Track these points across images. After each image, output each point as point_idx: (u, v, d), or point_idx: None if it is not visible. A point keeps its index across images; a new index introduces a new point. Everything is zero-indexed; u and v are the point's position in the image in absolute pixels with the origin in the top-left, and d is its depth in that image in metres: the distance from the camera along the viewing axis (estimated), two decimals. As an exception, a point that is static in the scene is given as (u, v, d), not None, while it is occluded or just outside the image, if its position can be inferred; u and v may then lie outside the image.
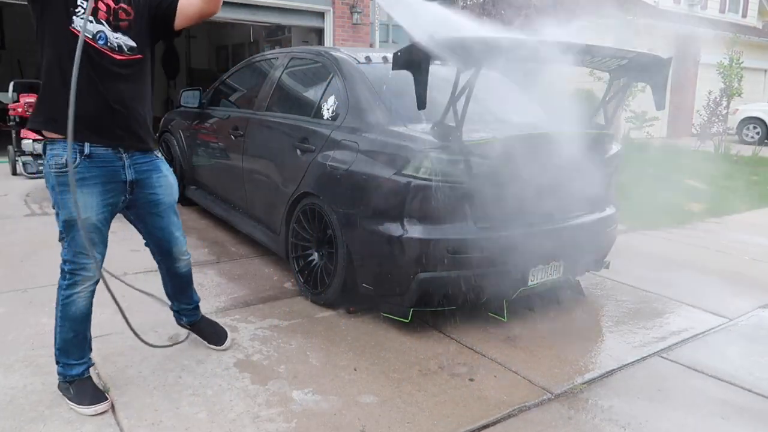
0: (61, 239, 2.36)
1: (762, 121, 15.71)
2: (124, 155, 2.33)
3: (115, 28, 2.23)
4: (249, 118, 4.47)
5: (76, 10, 2.12)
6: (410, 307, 3.14)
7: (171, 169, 2.60)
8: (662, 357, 3.14)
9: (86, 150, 2.22)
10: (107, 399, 2.41)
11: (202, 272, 4.05)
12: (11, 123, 7.09)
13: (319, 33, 10.99)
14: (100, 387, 2.53)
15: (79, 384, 2.40)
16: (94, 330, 3.09)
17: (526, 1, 10.42)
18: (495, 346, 3.15)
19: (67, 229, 2.30)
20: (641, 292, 4.12)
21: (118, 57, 2.24)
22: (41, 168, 6.78)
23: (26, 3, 2.17)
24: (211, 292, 3.71)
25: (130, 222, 2.61)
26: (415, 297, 3.09)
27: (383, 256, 3.12)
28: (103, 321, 3.22)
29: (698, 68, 17.17)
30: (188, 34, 15.24)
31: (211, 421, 2.36)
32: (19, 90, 7.27)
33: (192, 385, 2.62)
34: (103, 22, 2.19)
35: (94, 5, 2.13)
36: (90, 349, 2.50)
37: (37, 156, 6.85)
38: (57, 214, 2.32)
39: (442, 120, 3.08)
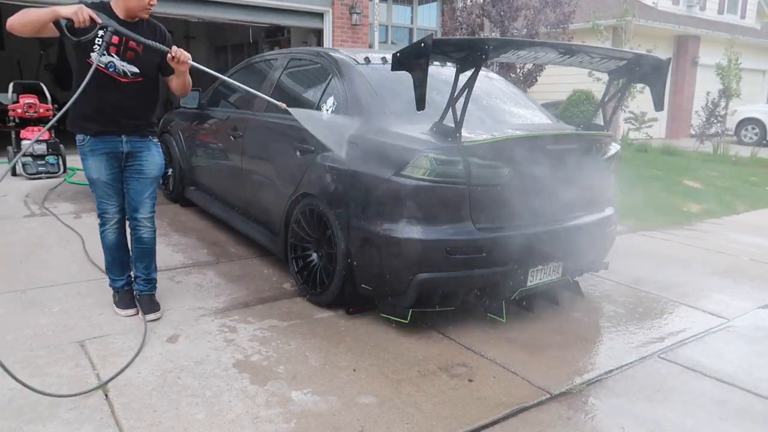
0: (93, 193, 3.28)
1: (760, 122, 15.73)
2: (123, 137, 3.19)
3: (123, 59, 3.07)
4: (248, 119, 4.47)
5: (94, 47, 2.96)
6: (409, 308, 3.14)
7: (161, 153, 3.38)
8: (661, 357, 3.15)
9: (93, 133, 3.13)
10: (137, 307, 3.34)
11: (201, 273, 4.06)
12: (11, 124, 7.08)
13: (319, 34, 10.99)
14: (99, 387, 2.55)
15: (121, 294, 3.40)
16: (93, 330, 3.12)
17: (525, 2, 10.42)
18: (494, 347, 3.15)
19: (92, 185, 3.25)
20: (640, 293, 4.12)
21: (122, 80, 3.10)
22: (41, 168, 6.79)
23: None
24: (211, 293, 3.71)
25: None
26: (415, 297, 3.09)
27: (382, 257, 3.12)
28: (102, 322, 3.23)
29: (697, 69, 17.19)
30: (187, 34, 15.24)
31: (211, 421, 2.36)
32: (19, 91, 7.26)
33: (191, 385, 2.62)
34: (113, 54, 3.04)
35: (107, 44, 2.94)
36: (129, 270, 3.42)
37: (36, 157, 6.85)
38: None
39: (441, 121, 3.08)
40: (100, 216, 3.30)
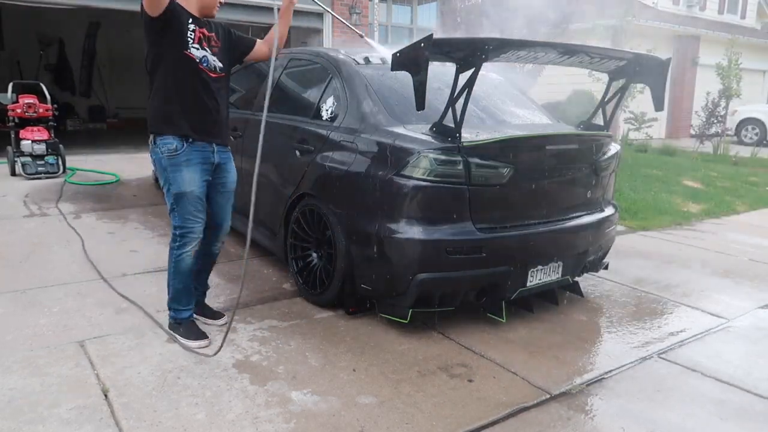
0: (171, 210, 2.93)
1: (761, 122, 15.73)
2: (214, 145, 2.98)
3: (211, 52, 2.92)
4: (248, 119, 4.47)
5: (188, 38, 2.81)
6: (409, 308, 3.14)
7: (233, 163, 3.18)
8: (661, 358, 3.15)
9: (190, 140, 2.87)
10: (208, 338, 3.02)
11: (201, 273, 4.05)
12: (10, 124, 7.09)
13: (318, 34, 10.99)
14: (99, 388, 2.54)
15: (188, 325, 3.06)
16: (93, 330, 3.12)
17: (525, 2, 10.42)
18: (494, 347, 3.15)
19: (177, 200, 2.88)
20: (640, 293, 4.12)
21: (213, 75, 2.93)
22: (40, 169, 6.79)
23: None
24: (210, 293, 3.69)
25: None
26: (414, 298, 3.09)
27: (382, 257, 3.12)
28: (102, 322, 3.22)
29: (697, 69, 17.20)
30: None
31: (210, 422, 2.36)
32: (18, 91, 7.26)
33: (191, 385, 2.62)
34: (205, 48, 2.88)
35: (199, 36, 2.85)
36: (194, 298, 3.14)
37: (36, 157, 6.85)
38: (168, 190, 2.91)
39: (441, 121, 3.08)
40: (181, 236, 2.91)
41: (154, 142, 2.90)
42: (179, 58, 2.81)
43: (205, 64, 2.87)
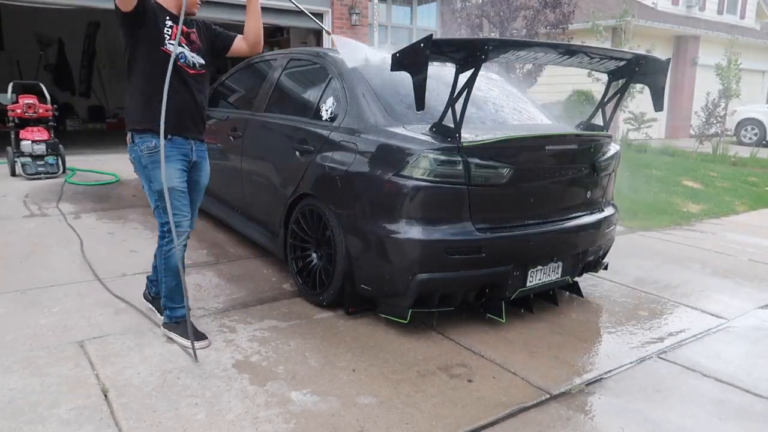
0: (155, 208, 2.95)
1: (760, 122, 15.74)
2: (192, 142, 3.03)
3: (191, 49, 2.96)
4: (248, 120, 4.47)
5: (165, 36, 2.85)
6: (409, 308, 3.14)
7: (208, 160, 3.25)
8: (660, 358, 3.15)
9: (169, 137, 2.87)
10: (207, 338, 3.01)
11: (200, 273, 4.05)
12: (10, 124, 7.08)
13: (318, 34, 11.00)
14: (99, 388, 2.55)
15: (183, 325, 2.97)
16: (92, 330, 3.12)
17: (524, 2, 10.43)
18: (494, 347, 3.15)
19: (161, 197, 2.87)
20: (639, 293, 4.13)
21: (192, 71, 2.97)
22: (40, 169, 6.78)
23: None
24: (210, 293, 3.71)
25: None
26: (414, 298, 3.09)
27: (382, 257, 3.12)
28: (101, 322, 3.23)
29: (696, 69, 17.21)
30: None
31: (210, 422, 2.36)
32: (18, 91, 7.26)
33: (191, 386, 2.62)
34: (183, 45, 2.92)
35: (175, 33, 2.86)
36: (186, 295, 2.99)
37: (36, 157, 6.85)
38: (150, 188, 2.94)
39: (440, 121, 3.09)
40: (169, 232, 2.88)
41: (133, 140, 2.93)
42: (156, 55, 2.83)
43: (183, 60, 2.90)
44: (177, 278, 2.95)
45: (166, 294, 3.03)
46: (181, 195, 2.93)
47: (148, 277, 3.37)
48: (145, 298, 3.41)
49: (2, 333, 3.04)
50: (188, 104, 2.95)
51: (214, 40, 3.12)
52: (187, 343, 2.92)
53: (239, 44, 3.17)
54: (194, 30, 3.03)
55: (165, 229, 2.94)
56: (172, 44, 2.84)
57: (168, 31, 2.86)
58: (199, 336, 2.99)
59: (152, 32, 2.83)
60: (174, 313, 3.04)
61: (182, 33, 2.88)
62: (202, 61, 3.01)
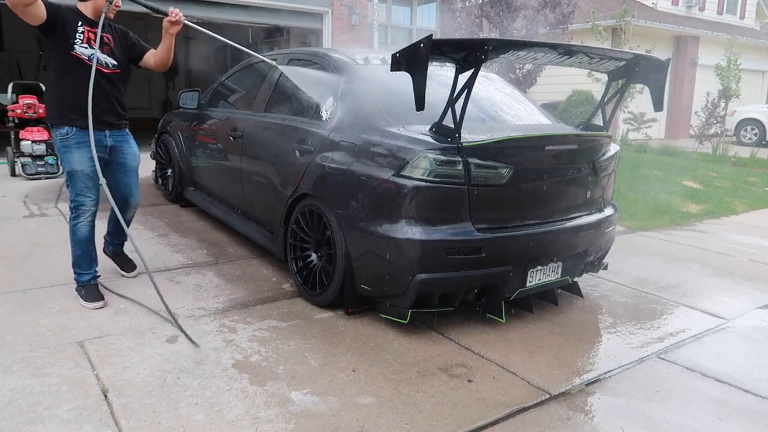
0: (67, 186, 3.40)
1: (760, 122, 15.74)
2: (106, 131, 3.41)
3: (102, 51, 3.30)
4: (247, 120, 4.47)
5: (75, 40, 3.21)
6: (409, 308, 3.14)
7: (135, 143, 3.62)
8: (661, 358, 3.15)
9: (80, 126, 3.27)
10: (104, 299, 3.44)
11: (200, 273, 4.06)
12: (10, 124, 7.08)
13: (318, 34, 10.99)
14: (99, 388, 2.55)
15: (88, 288, 3.45)
16: (92, 330, 3.12)
17: (524, 2, 10.43)
18: (493, 347, 3.15)
19: (70, 177, 3.33)
20: (639, 293, 4.13)
21: (106, 71, 3.33)
22: (40, 169, 6.79)
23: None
24: (210, 293, 3.71)
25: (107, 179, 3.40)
26: (414, 298, 3.09)
27: (382, 257, 3.12)
28: (101, 322, 3.23)
29: (696, 70, 17.21)
30: (186, 35, 15.23)
31: (210, 422, 2.36)
32: (18, 91, 7.26)
33: (190, 386, 2.62)
34: (95, 47, 3.26)
35: (88, 36, 3.25)
36: (96, 264, 3.52)
37: (36, 157, 6.85)
38: (65, 169, 3.38)
39: (440, 121, 3.09)
40: (75, 208, 3.35)
41: (52, 129, 3.38)
42: (67, 57, 3.21)
43: (93, 59, 3.23)
44: (83, 248, 3.40)
45: (74, 260, 3.45)
46: (88, 178, 3.30)
47: (104, 237, 3.87)
48: (104, 252, 3.91)
49: (2, 333, 3.04)
50: (101, 100, 3.29)
51: (130, 48, 3.47)
52: (86, 304, 3.38)
53: (148, 59, 3.51)
54: (109, 35, 3.36)
55: (72, 206, 3.36)
56: (84, 47, 3.23)
57: (80, 36, 3.22)
58: (98, 297, 3.42)
59: (62, 38, 3.18)
60: (80, 278, 3.46)
61: (96, 37, 3.26)
62: (115, 62, 3.37)
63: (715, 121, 12.51)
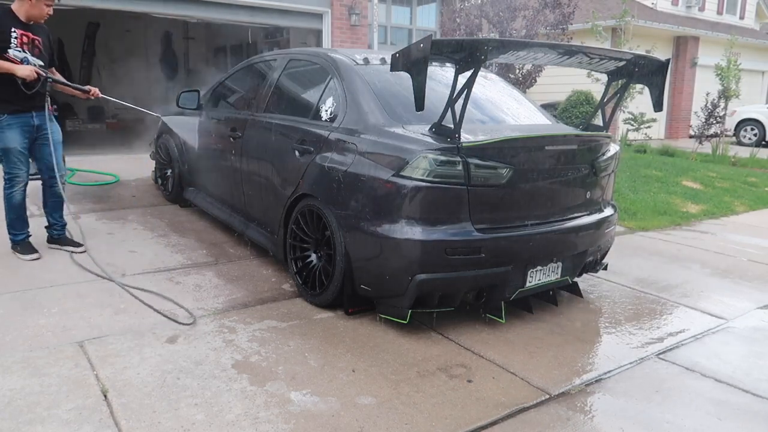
0: (1, 161, 4.02)
1: (759, 122, 15.74)
2: (33, 113, 4.03)
3: (32, 54, 3.94)
4: (247, 120, 4.47)
5: (10, 45, 3.80)
6: (408, 309, 3.14)
7: (58, 124, 4.27)
8: (660, 358, 3.15)
9: (10, 111, 3.93)
10: (38, 252, 4.16)
11: (200, 273, 4.06)
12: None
13: (318, 34, 10.99)
14: (99, 389, 2.55)
15: (23, 244, 4.18)
16: (92, 331, 3.12)
17: (524, 2, 10.43)
18: (493, 348, 3.15)
19: (4, 153, 3.98)
20: (639, 294, 4.13)
21: None
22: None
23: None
24: (210, 294, 3.71)
25: (31, 154, 4.14)
26: (413, 298, 3.09)
27: (381, 258, 3.12)
28: (101, 323, 3.22)
29: (696, 70, 17.22)
30: (186, 35, 15.24)
31: (210, 422, 2.36)
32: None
33: (190, 386, 2.62)
34: (26, 51, 3.90)
35: (22, 40, 3.87)
36: (27, 226, 4.22)
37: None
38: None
39: (440, 122, 3.09)
40: (10, 180, 3.98)
41: None
42: (2, 58, 3.77)
43: (25, 63, 3.86)
44: (18, 212, 4.10)
45: (9, 223, 4.13)
46: (20, 154, 3.98)
47: (45, 227, 4.39)
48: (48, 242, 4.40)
49: (2, 333, 3.04)
50: (27, 91, 3.88)
51: (53, 49, 4.20)
52: (23, 257, 4.07)
53: (53, 69, 4.24)
54: (39, 37, 3.98)
55: (6, 177, 3.99)
56: (18, 51, 3.83)
57: (15, 40, 3.81)
58: (33, 250, 4.13)
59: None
60: (15, 237, 4.16)
61: (28, 39, 3.89)
62: (42, 63, 3.99)
63: (714, 122, 12.51)
